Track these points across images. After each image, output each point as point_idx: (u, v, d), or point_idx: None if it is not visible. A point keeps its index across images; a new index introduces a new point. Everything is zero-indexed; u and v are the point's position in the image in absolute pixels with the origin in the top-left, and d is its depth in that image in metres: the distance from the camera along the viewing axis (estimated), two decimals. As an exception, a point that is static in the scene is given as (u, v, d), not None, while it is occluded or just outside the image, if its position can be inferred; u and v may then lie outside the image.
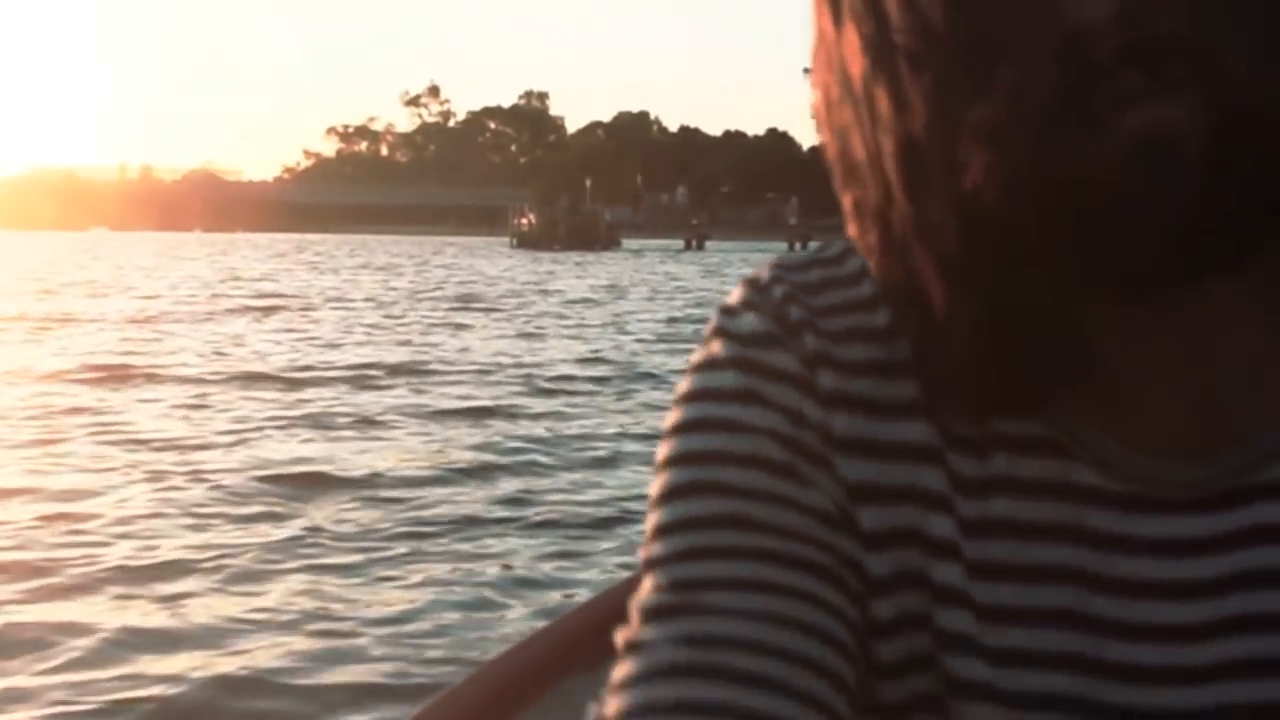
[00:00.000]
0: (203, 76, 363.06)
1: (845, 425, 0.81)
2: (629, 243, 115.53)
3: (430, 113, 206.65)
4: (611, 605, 1.79)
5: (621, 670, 0.77)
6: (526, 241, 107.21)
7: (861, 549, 0.80)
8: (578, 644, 1.79)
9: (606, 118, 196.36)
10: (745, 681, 0.74)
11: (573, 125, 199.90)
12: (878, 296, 0.83)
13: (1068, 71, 0.65)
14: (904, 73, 0.71)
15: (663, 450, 0.84)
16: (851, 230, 0.78)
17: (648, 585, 0.80)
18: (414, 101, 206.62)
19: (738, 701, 0.74)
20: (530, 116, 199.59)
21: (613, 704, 0.75)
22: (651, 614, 0.78)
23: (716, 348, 0.85)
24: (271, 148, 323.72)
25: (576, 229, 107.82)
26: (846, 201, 0.78)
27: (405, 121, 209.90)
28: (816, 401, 0.82)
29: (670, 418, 0.84)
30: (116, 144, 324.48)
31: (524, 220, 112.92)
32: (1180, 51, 0.64)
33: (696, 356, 0.85)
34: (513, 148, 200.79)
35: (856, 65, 0.74)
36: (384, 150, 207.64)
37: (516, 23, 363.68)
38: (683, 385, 0.85)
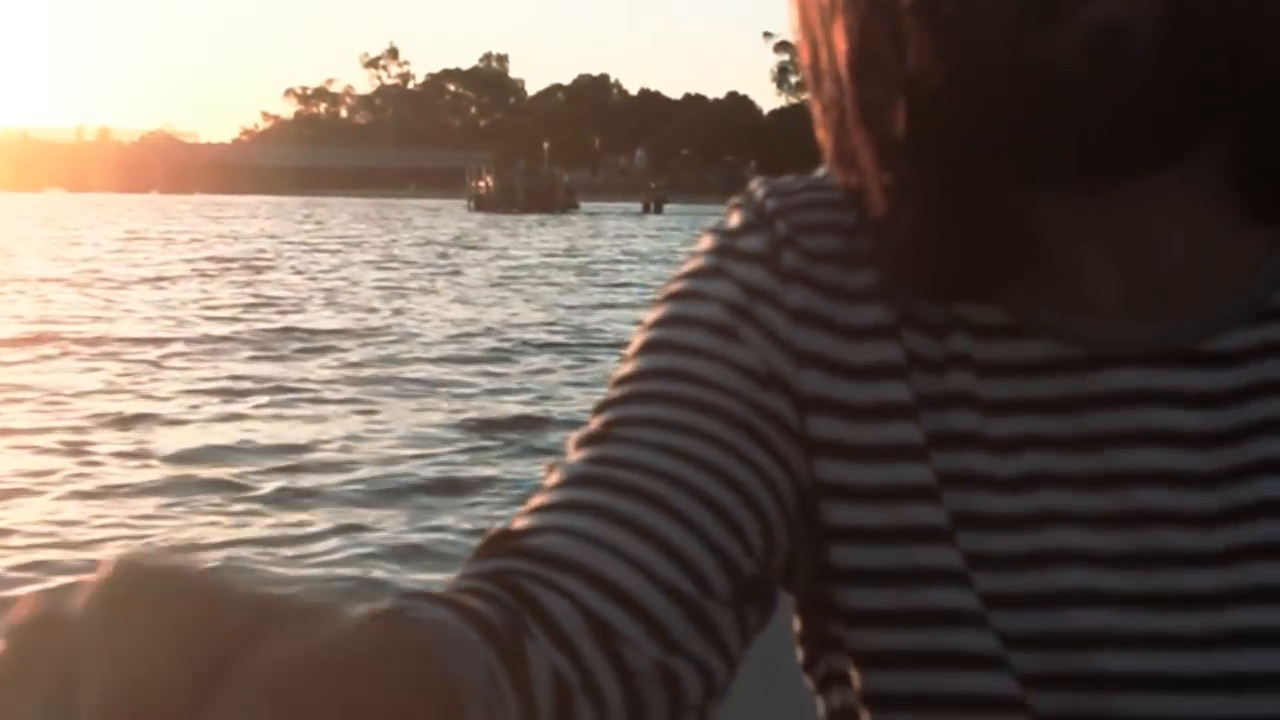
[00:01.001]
0: (161, 36, 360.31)
1: (800, 298, 0.85)
2: (587, 205, 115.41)
3: (389, 75, 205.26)
4: None
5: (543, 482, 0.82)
6: (484, 204, 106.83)
7: (796, 411, 0.84)
8: None
9: (567, 80, 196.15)
10: (644, 500, 0.79)
11: (533, 88, 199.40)
12: (849, 198, 0.86)
13: None
14: None
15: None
16: (819, 135, 0.83)
17: (589, 422, 0.85)
18: (373, 63, 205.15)
19: (633, 514, 0.78)
20: (490, 79, 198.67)
21: (525, 507, 0.81)
22: (578, 441, 0.84)
23: (702, 241, 0.91)
24: (230, 109, 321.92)
25: (534, 192, 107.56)
26: (815, 109, 0.83)
27: (364, 83, 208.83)
28: (776, 276, 0.86)
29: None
30: (73, 105, 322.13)
31: (482, 183, 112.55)
32: None
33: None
34: (472, 110, 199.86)
35: None
36: (343, 112, 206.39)
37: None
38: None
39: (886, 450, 0.83)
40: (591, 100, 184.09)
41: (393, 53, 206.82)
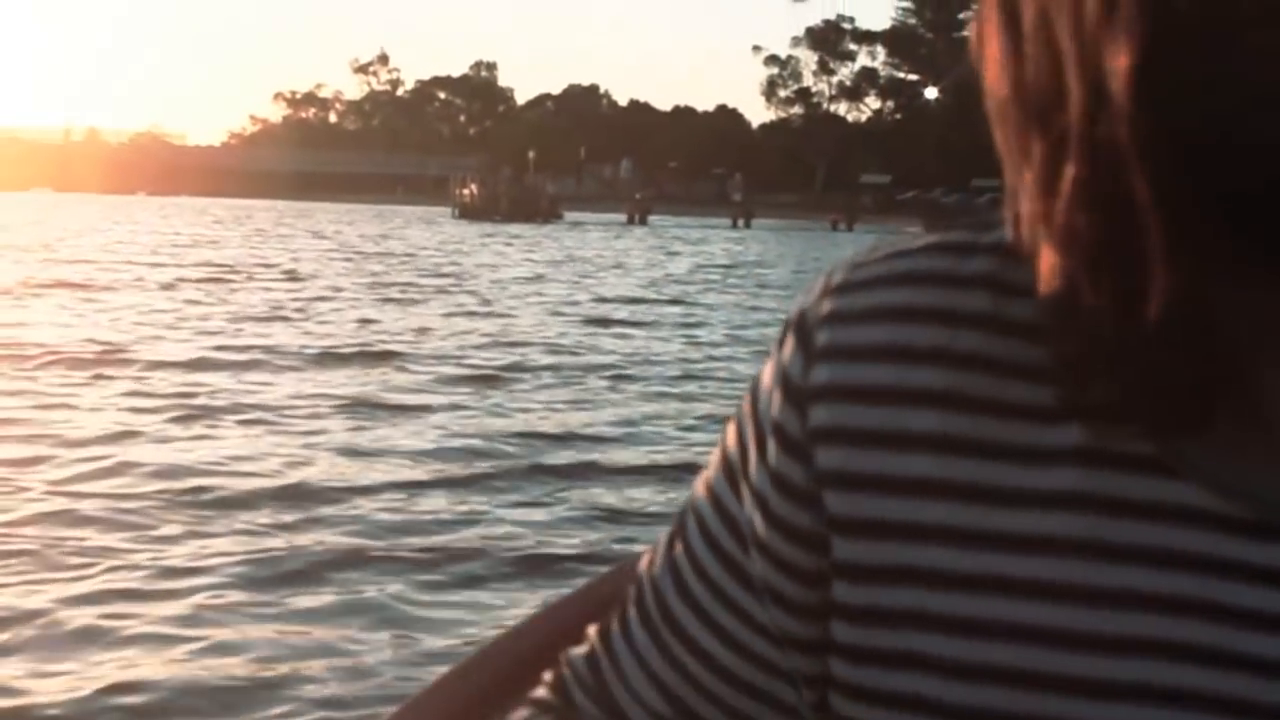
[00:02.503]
0: (150, 37, 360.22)
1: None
2: (572, 215, 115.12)
3: (379, 81, 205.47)
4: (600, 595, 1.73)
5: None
6: (468, 212, 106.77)
7: (821, 532, 0.79)
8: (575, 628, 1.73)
9: (556, 90, 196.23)
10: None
11: (522, 97, 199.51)
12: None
13: None
14: None
15: None
16: (1022, 192, 0.67)
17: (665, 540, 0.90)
18: (363, 69, 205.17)
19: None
20: (479, 87, 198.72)
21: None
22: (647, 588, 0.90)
23: (771, 364, 0.83)
24: (218, 112, 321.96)
25: (518, 201, 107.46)
26: (1009, 144, 0.68)
27: (354, 89, 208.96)
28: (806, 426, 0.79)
29: None
30: (61, 105, 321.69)
31: (466, 191, 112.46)
32: None
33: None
34: (462, 118, 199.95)
35: None
36: (332, 117, 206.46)
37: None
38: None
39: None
40: (581, 110, 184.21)
41: (383, 59, 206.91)
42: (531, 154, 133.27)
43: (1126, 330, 0.65)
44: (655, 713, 0.88)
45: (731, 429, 0.85)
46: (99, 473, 10.69)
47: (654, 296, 32.04)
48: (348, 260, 39.24)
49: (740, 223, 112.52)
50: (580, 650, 0.93)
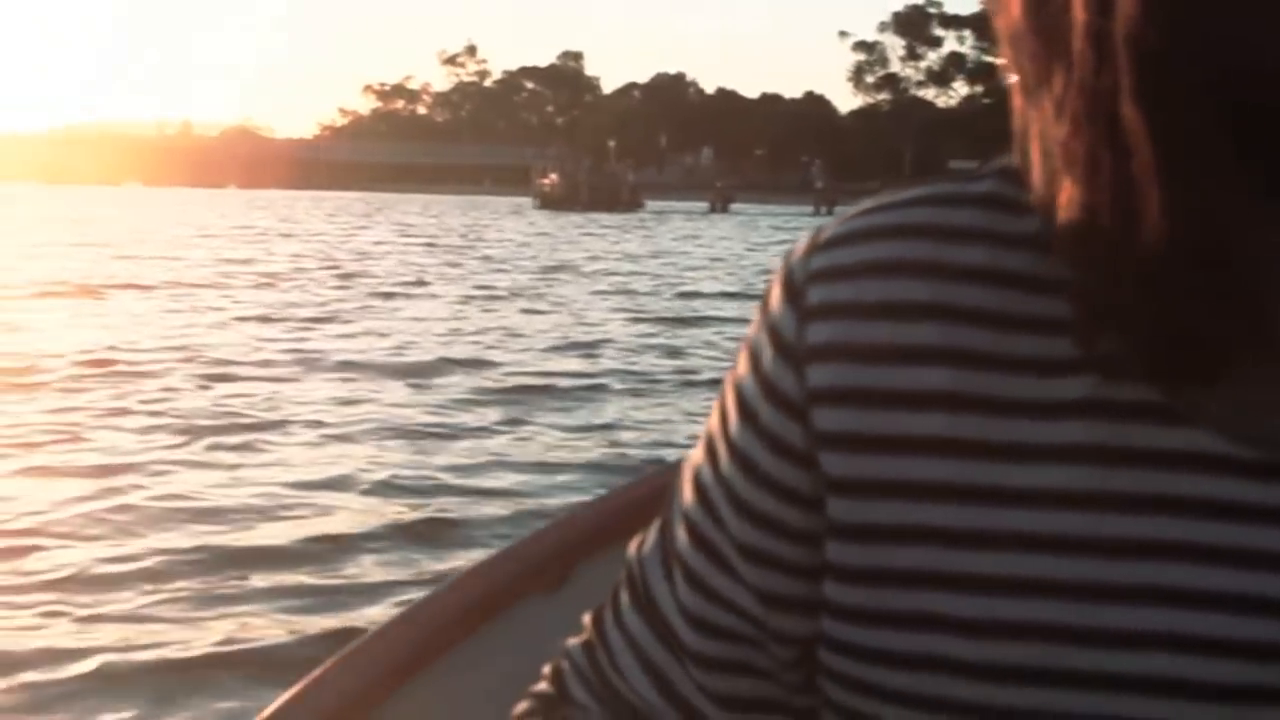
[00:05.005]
0: (242, 31, 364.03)
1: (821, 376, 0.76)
2: (654, 204, 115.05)
3: (467, 72, 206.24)
4: (569, 533, 1.84)
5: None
6: (549, 202, 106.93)
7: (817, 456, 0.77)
8: (540, 565, 1.82)
9: (643, 79, 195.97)
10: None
11: (609, 86, 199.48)
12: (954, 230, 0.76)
13: None
14: None
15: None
16: (1016, 121, 0.70)
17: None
18: (451, 60, 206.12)
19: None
20: (566, 77, 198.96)
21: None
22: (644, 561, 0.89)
23: (757, 322, 0.82)
24: (308, 104, 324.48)
25: (598, 190, 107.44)
26: (1019, 83, 0.69)
27: (442, 80, 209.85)
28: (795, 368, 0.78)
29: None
30: (154, 99, 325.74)
31: (546, 180, 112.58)
32: None
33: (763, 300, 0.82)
34: (548, 108, 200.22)
35: None
36: (420, 109, 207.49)
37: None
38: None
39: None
40: (667, 99, 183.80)
41: (471, 50, 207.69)
42: (612, 143, 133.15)
43: (1137, 264, 0.64)
44: (650, 699, 0.87)
45: (716, 408, 0.83)
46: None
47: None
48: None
49: (823, 210, 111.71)
50: (577, 640, 0.93)
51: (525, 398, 13.86)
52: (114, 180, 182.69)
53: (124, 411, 12.24)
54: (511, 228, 65.69)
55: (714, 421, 0.83)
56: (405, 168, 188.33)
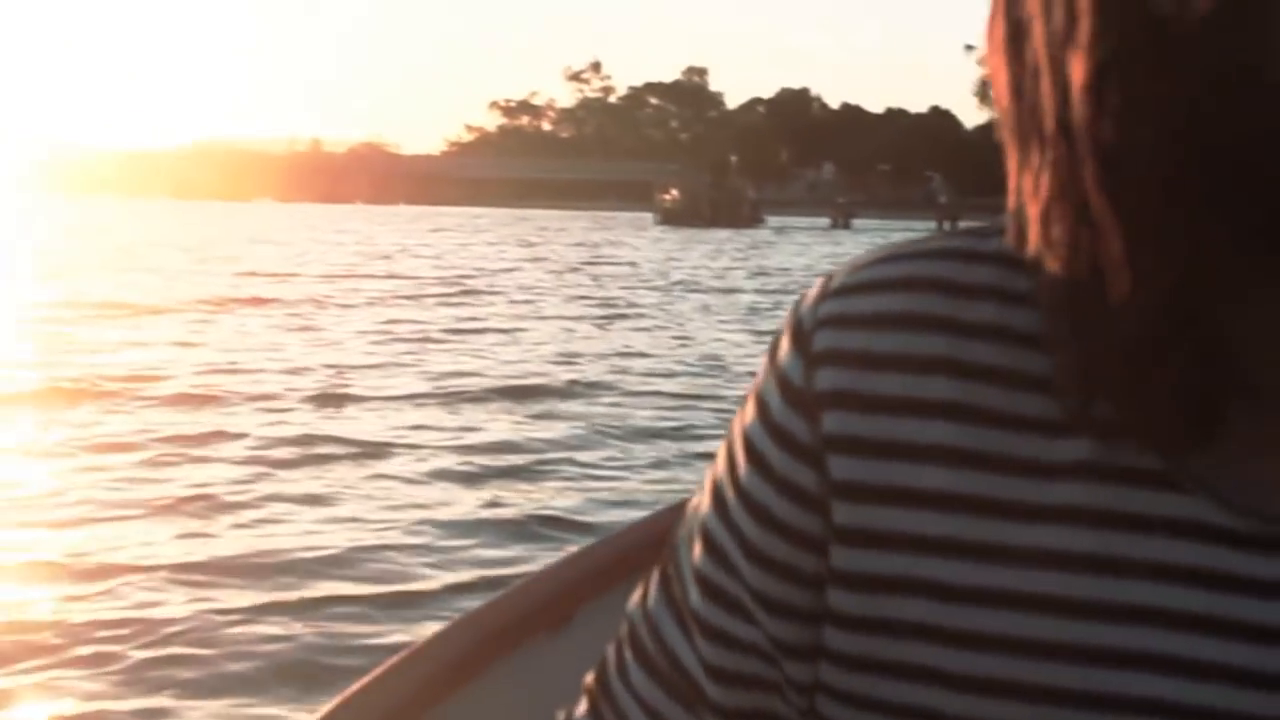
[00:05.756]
0: (371, 50, 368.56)
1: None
2: (774, 220, 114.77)
3: (592, 88, 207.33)
4: (573, 574, 1.85)
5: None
6: (670, 217, 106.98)
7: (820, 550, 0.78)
8: (545, 605, 1.83)
9: (767, 94, 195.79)
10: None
11: (733, 101, 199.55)
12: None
13: None
14: None
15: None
16: (1011, 191, 0.71)
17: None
18: (576, 77, 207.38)
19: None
20: (690, 92, 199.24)
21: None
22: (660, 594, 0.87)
23: (765, 369, 0.81)
24: (435, 121, 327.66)
25: (719, 205, 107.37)
26: (1012, 156, 0.70)
27: (567, 96, 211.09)
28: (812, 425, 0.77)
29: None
30: (282, 116, 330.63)
31: (668, 196, 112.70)
32: None
33: (766, 359, 0.82)
34: (672, 123, 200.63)
35: None
36: (545, 125, 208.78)
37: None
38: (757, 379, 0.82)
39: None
40: (791, 114, 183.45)
41: (595, 66, 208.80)
42: (733, 158, 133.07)
43: (1118, 333, 0.66)
44: None
45: (722, 457, 0.83)
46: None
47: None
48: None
49: (945, 225, 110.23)
50: (581, 708, 0.91)
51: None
52: (244, 196, 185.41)
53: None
54: (631, 243, 65.77)
55: (720, 469, 0.83)
56: (529, 183, 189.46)
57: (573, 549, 2.05)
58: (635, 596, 0.89)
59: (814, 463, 0.77)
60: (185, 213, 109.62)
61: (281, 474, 10.65)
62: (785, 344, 0.79)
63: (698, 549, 0.83)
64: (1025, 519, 0.73)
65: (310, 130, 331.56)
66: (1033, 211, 0.68)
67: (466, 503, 9.95)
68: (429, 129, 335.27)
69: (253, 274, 34.26)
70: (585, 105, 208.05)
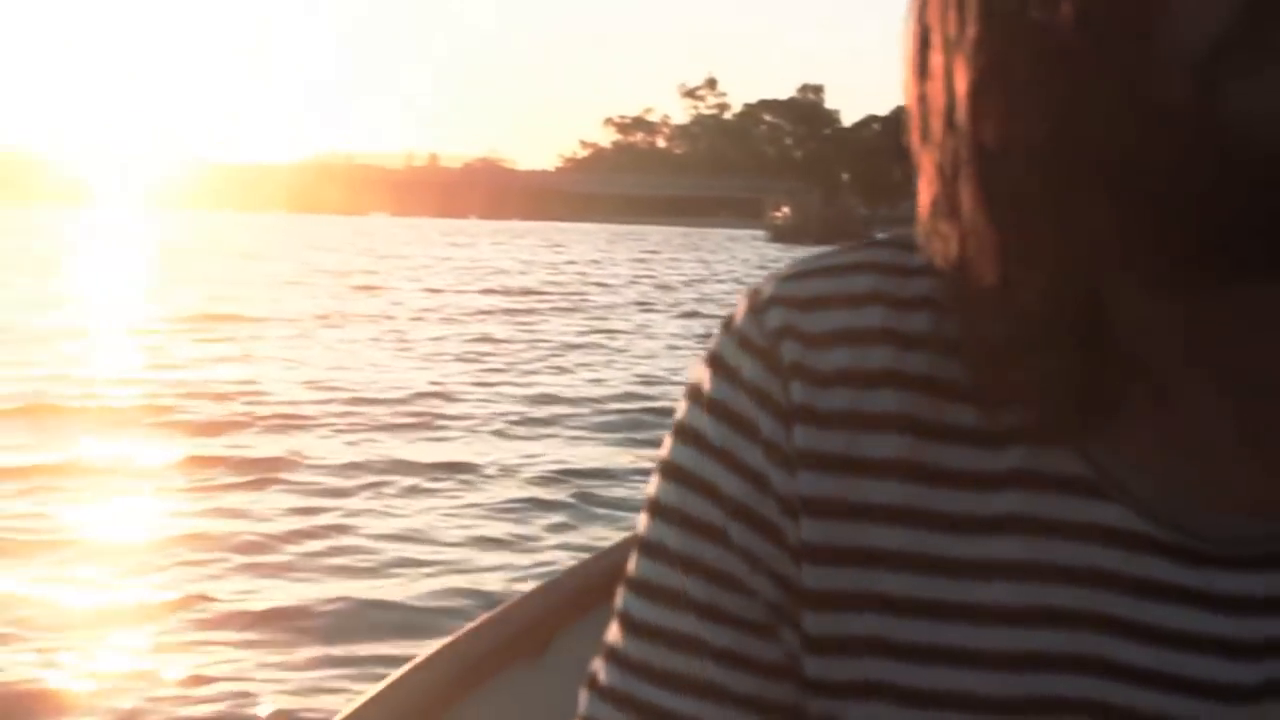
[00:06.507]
0: (488, 66, 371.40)
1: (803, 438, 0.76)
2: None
3: (706, 105, 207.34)
4: (549, 601, 1.87)
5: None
6: (780, 235, 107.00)
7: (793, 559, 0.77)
8: (522, 632, 1.84)
9: (882, 112, 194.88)
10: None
11: (848, 119, 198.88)
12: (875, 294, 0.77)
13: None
14: None
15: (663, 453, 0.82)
16: (921, 192, 0.72)
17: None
18: (691, 93, 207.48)
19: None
20: (805, 110, 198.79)
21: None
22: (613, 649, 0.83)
23: (704, 378, 0.80)
24: (550, 137, 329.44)
25: (829, 223, 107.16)
26: (924, 161, 0.72)
27: (681, 113, 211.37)
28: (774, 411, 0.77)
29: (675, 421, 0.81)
30: (402, 132, 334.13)
31: (779, 213, 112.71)
32: None
33: (694, 373, 0.81)
34: (787, 140, 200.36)
35: None
36: (659, 141, 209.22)
37: (794, 15, 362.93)
38: (683, 400, 0.81)
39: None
40: (905, 132, 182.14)
41: (710, 83, 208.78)
42: (845, 176, 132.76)
43: (1007, 328, 0.69)
44: None
45: (659, 490, 0.81)
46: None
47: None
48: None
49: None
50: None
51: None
52: (359, 210, 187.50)
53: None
54: (742, 258, 65.79)
55: (663, 500, 0.81)
56: (642, 199, 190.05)
57: (548, 578, 2.17)
58: (613, 631, 0.85)
59: (793, 473, 0.77)
60: (304, 225, 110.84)
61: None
62: (742, 353, 0.78)
63: (648, 608, 0.81)
64: (965, 530, 0.74)
65: (428, 146, 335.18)
66: (922, 214, 0.70)
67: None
68: (545, 145, 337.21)
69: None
70: (700, 122, 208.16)
